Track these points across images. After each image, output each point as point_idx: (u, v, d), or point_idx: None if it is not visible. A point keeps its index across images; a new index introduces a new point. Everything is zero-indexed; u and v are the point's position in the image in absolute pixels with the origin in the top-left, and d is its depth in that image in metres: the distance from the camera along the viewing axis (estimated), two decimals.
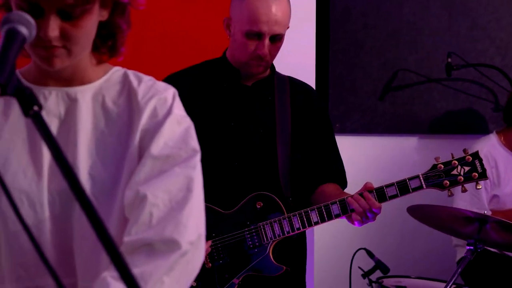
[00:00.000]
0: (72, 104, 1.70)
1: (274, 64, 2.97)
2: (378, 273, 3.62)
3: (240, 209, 2.81)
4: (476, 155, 2.76)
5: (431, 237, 4.15)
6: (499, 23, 4.44)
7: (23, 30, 1.42)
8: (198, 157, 1.69)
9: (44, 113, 1.60)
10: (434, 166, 2.76)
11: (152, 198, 1.60)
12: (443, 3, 4.39)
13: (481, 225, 3.16)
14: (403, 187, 2.73)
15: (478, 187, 2.77)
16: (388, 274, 3.62)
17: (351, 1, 4.29)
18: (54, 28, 1.56)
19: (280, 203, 2.80)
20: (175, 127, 1.69)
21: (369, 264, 3.64)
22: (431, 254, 4.35)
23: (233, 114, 2.85)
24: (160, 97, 1.70)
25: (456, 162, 2.75)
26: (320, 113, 2.97)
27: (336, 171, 2.97)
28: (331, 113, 4.29)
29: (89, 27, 1.61)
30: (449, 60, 4.28)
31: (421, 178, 2.74)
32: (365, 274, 3.64)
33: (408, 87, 4.39)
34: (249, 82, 2.89)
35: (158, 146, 1.65)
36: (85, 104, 1.70)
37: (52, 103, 1.69)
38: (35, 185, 1.65)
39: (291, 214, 2.78)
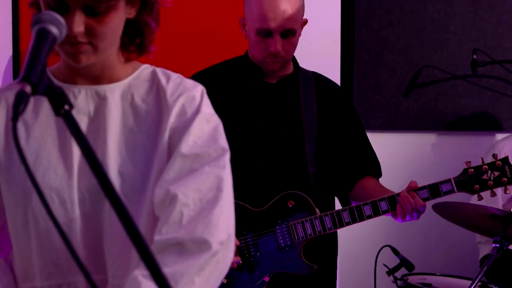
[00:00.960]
0: (101, 102, 1.72)
1: (299, 63, 2.99)
2: (403, 271, 3.64)
3: (271, 207, 2.83)
4: (506, 161, 2.80)
5: (455, 234, 4.18)
6: None
7: (54, 30, 1.44)
8: (227, 156, 1.70)
9: (74, 112, 1.64)
10: (465, 170, 2.80)
11: (183, 197, 1.62)
12: (468, 0, 4.40)
13: (507, 223, 3.20)
14: (434, 191, 2.77)
15: (507, 192, 2.81)
16: (413, 272, 3.64)
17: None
18: (79, 24, 1.57)
19: (312, 202, 2.82)
20: (204, 126, 1.70)
21: (394, 261, 3.66)
22: (455, 251, 4.37)
23: (258, 113, 2.87)
24: (189, 95, 1.71)
25: (487, 167, 2.79)
26: (347, 108, 2.99)
27: (372, 164, 3.00)
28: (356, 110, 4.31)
29: (114, 23, 1.62)
30: (475, 56, 4.29)
31: (453, 182, 2.78)
32: (390, 272, 3.66)
33: (433, 84, 4.40)
34: (273, 79, 2.90)
35: (187, 145, 1.66)
36: (114, 102, 1.72)
37: (81, 101, 1.71)
38: (66, 183, 1.67)
39: (322, 214, 2.81)
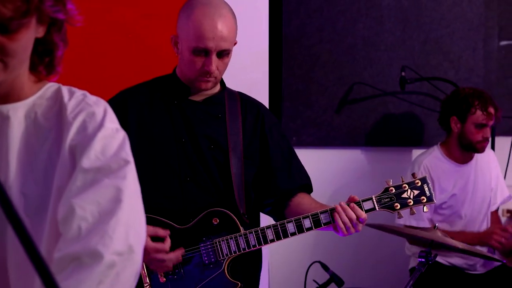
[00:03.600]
0: (3, 121, 1.68)
1: (228, 79, 3.01)
2: (333, 286, 3.70)
3: (196, 224, 2.85)
4: (424, 180, 2.88)
5: (386, 248, 4.25)
6: (451, 38, 4.55)
7: None
8: (129, 167, 1.66)
9: None
10: (386, 189, 2.87)
11: (80, 211, 1.58)
12: (397, 19, 4.49)
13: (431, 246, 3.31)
14: None
15: (425, 210, 2.89)
16: (343, 287, 3.70)
17: (306, 17, 4.37)
18: None
19: (236, 219, 2.85)
20: (106, 140, 1.66)
21: (324, 277, 3.72)
22: (384, 265, 4.44)
23: (184, 131, 2.89)
24: (89, 111, 1.68)
25: (406, 185, 2.87)
26: (273, 127, 3.02)
27: (303, 180, 3.03)
28: (287, 127, 4.36)
29: (25, 41, 1.60)
30: (403, 73, 4.38)
31: (374, 200, 2.84)
32: (320, 287, 3.73)
33: (364, 101, 4.48)
34: (199, 98, 2.92)
35: (89, 159, 1.62)
36: (17, 121, 1.68)
37: None
38: None
39: (247, 231, 2.84)
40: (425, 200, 2.86)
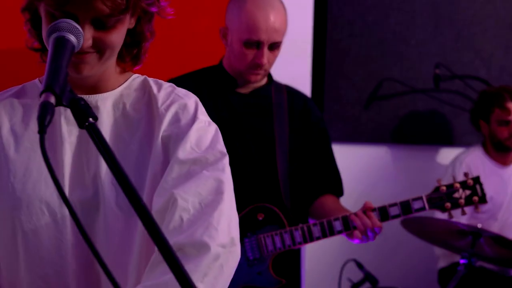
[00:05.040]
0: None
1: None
2: (367, 285, 3.66)
3: (241, 219, 2.80)
4: (477, 180, 2.83)
5: (420, 249, 4.20)
6: (484, 35, 4.50)
7: (72, 38, 1.45)
8: (226, 160, 1.68)
9: (63, 122, 1.64)
10: (437, 189, 2.82)
11: (182, 202, 1.58)
12: (429, 14, 4.43)
13: (475, 239, 3.23)
14: (406, 208, 2.77)
15: (477, 210, 2.84)
16: (378, 286, 3.66)
17: (337, 9, 4.30)
18: (88, 38, 1.55)
19: (282, 216, 2.80)
20: (201, 133, 1.67)
21: (358, 275, 3.68)
22: (418, 265, 4.38)
23: (231, 123, 2.84)
24: (181, 103, 1.69)
25: (458, 185, 2.81)
26: (318, 123, 2.99)
27: (334, 182, 3.00)
28: None
29: (120, 34, 1.61)
30: (437, 71, 4.33)
31: (425, 199, 2.79)
32: (354, 286, 3.69)
33: (393, 97, 4.42)
34: (246, 90, 2.89)
35: (184, 151, 1.63)
36: (105, 112, 1.68)
37: None
38: (56, 195, 1.61)
39: (293, 227, 2.78)
40: (477, 200, 2.81)
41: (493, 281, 4.02)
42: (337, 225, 2.76)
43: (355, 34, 4.35)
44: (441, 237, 3.50)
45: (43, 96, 1.30)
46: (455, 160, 4.17)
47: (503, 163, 4.18)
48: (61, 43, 1.43)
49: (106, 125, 1.66)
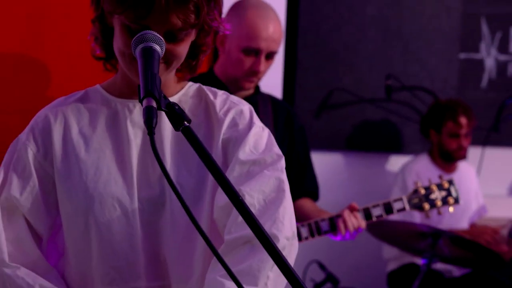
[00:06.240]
0: None
1: None
2: (329, 285, 3.80)
3: None
4: (451, 182, 3.02)
5: (380, 248, 4.35)
6: (429, 49, 4.72)
7: (157, 48, 1.56)
8: (283, 161, 1.80)
9: (129, 124, 1.74)
10: (416, 190, 2.99)
11: (249, 198, 1.70)
12: (379, 28, 4.62)
13: (435, 240, 3.44)
14: (388, 208, 2.93)
15: (450, 210, 3.03)
16: (339, 286, 3.81)
17: (291, 21, 4.43)
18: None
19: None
20: (258, 136, 1.80)
21: (321, 276, 3.82)
22: (379, 264, 4.52)
23: None
24: (237, 109, 1.81)
25: (435, 187, 3.00)
26: (300, 131, 3.11)
27: (312, 186, 3.13)
28: None
29: (187, 46, 1.72)
30: (389, 82, 4.51)
31: (405, 200, 2.96)
32: (317, 286, 3.82)
33: (343, 106, 4.59)
34: None
35: (244, 153, 1.75)
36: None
37: (136, 115, 1.77)
38: (127, 193, 1.72)
39: None
40: (452, 201, 3.01)
41: (440, 283, 4.22)
42: (324, 225, 2.89)
43: (308, 45, 4.51)
44: (402, 239, 3.69)
45: (145, 101, 1.41)
46: (404, 168, 4.37)
47: (448, 170, 4.40)
48: (150, 53, 1.54)
49: (168, 127, 1.76)
